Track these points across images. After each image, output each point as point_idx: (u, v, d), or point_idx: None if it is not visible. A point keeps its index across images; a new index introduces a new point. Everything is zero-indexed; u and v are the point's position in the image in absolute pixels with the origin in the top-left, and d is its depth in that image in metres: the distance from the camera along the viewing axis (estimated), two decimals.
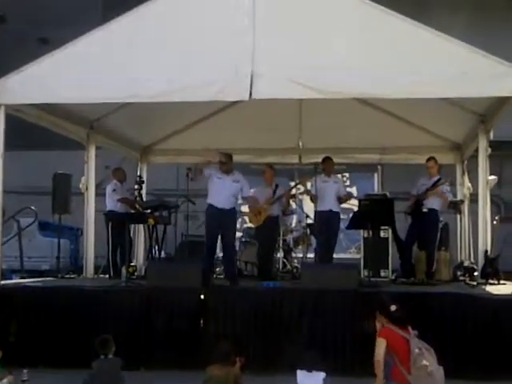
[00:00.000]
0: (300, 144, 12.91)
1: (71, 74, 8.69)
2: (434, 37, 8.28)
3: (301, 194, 12.17)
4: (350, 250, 16.69)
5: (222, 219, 10.01)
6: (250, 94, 8.20)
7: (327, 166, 11.21)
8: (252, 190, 10.92)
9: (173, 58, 8.56)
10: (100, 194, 11.76)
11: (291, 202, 12.32)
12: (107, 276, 11.23)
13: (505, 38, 16.91)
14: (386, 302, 6.24)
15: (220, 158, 10.22)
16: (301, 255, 12.64)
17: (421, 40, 8.26)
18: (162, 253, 11.87)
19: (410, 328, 6.06)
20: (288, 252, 12.37)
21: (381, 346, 5.92)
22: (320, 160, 11.42)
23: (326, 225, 10.92)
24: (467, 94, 8.46)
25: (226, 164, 10.19)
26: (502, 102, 8.87)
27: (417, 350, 5.86)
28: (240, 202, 10.69)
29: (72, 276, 11.36)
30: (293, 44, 8.35)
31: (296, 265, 12.27)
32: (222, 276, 10.87)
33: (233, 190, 10.17)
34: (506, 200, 16.41)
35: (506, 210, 16.15)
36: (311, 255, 11.99)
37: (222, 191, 10.06)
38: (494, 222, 10.45)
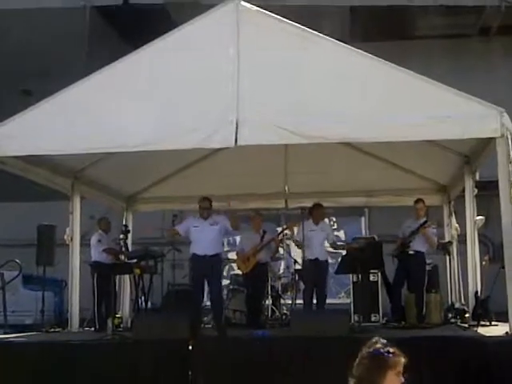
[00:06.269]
0: (286, 189, 12.88)
1: (56, 125, 8.62)
2: (415, 79, 8.32)
3: (288, 239, 12.07)
4: (339, 295, 16.58)
5: (205, 266, 9.92)
6: (236, 140, 8.17)
7: (316, 214, 11.06)
8: (239, 237, 10.83)
9: (157, 106, 8.55)
10: (85, 244, 11.62)
11: (279, 247, 12.24)
12: (93, 329, 11.00)
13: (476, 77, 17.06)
14: None
15: (200, 203, 10.18)
16: (289, 302, 12.50)
17: (402, 83, 8.29)
18: (149, 303, 11.69)
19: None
20: (276, 299, 12.22)
21: None
22: (306, 204, 11.39)
23: (313, 273, 10.77)
24: (450, 136, 8.42)
25: (207, 209, 10.15)
26: (485, 142, 8.86)
27: None
28: (226, 248, 10.58)
29: (57, 330, 11.11)
30: (276, 90, 8.36)
31: (285, 312, 12.13)
32: (209, 325, 10.71)
33: (212, 235, 10.10)
34: (494, 240, 16.35)
35: (494, 250, 16.06)
36: (300, 301, 11.86)
37: (201, 238, 10.04)
38: (483, 263, 10.40)
